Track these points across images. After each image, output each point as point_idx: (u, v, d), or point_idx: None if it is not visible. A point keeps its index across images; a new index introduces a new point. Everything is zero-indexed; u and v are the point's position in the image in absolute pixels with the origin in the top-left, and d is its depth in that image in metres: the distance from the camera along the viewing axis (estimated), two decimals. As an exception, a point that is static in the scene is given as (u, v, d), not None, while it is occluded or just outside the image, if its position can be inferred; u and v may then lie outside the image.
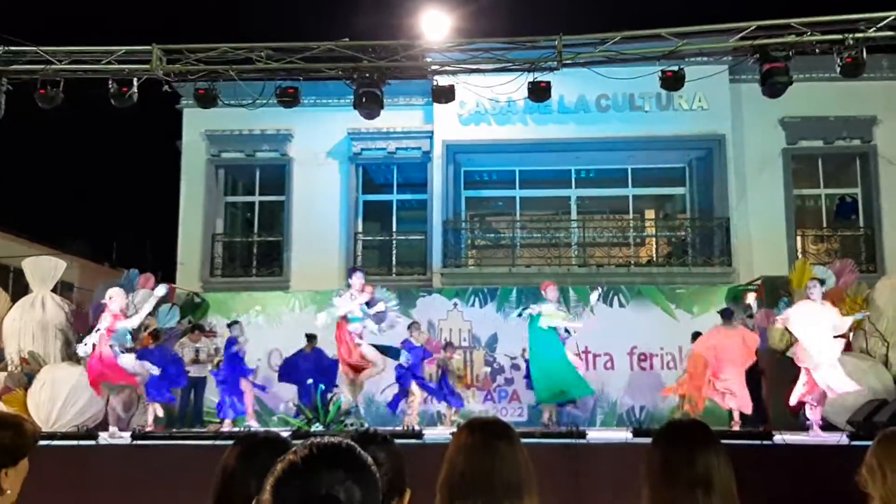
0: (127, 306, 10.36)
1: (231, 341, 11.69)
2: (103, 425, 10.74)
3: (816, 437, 8.86)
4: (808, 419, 9.46)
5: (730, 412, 10.81)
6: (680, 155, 16.34)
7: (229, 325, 12.02)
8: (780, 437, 7.50)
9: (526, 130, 15.67)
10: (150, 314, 12.87)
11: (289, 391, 12.78)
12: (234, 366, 11.55)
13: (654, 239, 17.24)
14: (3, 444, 2.48)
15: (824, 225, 16.40)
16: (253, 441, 2.41)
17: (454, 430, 7.71)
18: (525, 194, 17.26)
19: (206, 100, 10.53)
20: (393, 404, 11.28)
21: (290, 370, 12.29)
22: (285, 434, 8.05)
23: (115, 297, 9.65)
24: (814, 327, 9.41)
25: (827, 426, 10.34)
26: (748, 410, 10.43)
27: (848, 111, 15.42)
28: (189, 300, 14.26)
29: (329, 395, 10.67)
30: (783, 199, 15.62)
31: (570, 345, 10.62)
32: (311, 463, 1.47)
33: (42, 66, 10.35)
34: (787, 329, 11.44)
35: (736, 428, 10.37)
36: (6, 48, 10.37)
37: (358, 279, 9.87)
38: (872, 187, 15.71)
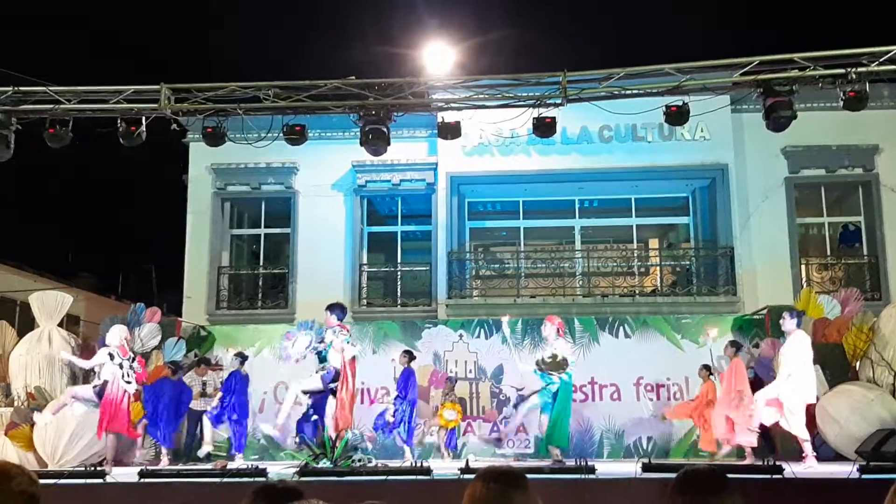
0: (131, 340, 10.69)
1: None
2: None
3: (827, 468, 8.81)
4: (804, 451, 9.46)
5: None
6: (683, 184, 16.40)
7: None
8: (790, 471, 7.46)
9: (529, 162, 15.76)
10: (156, 347, 13.04)
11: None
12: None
13: (658, 268, 17.26)
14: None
15: (828, 253, 16.43)
16: (273, 492, 2.44)
17: (461, 465, 7.68)
18: (529, 224, 17.31)
19: (214, 138, 10.64)
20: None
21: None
22: (292, 470, 8.03)
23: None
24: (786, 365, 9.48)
25: (836, 457, 10.34)
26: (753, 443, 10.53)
27: (849, 140, 15.49)
28: (195, 333, 14.29)
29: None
30: (787, 228, 15.66)
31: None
32: None
33: (51, 106, 10.46)
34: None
35: (748, 460, 10.38)
36: (16, 88, 10.49)
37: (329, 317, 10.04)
38: (875, 215, 15.75)
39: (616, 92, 10.20)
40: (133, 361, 10.56)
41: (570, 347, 10.64)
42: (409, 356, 11.83)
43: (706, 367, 11.91)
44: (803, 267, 15.90)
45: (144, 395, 12.04)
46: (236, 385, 11.60)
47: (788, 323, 9.58)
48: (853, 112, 10.10)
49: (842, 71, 9.59)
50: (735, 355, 11.03)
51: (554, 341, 10.36)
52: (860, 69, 9.55)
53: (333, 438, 9.22)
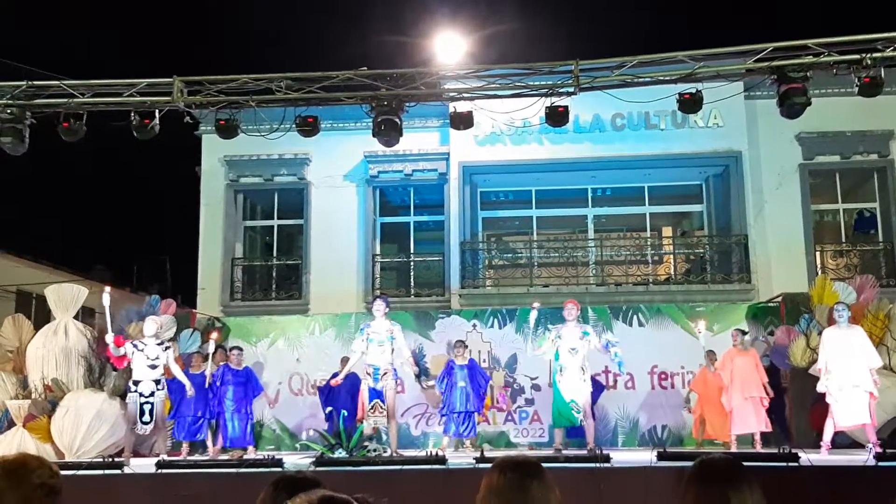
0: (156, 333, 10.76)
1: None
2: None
3: (843, 456, 8.80)
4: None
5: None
6: (696, 172, 16.33)
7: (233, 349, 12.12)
8: (805, 459, 7.44)
9: (541, 150, 15.72)
10: (171, 339, 13.09)
11: (314, 415, 12.87)
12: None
13: (672, 256, 17.20)
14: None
15: (843, 240, 16.32)
16: (291, 483, 2.46)
17: (476, 454, 7.70)
18: (542, 214, 17.28)
19: (227, 130, 10.67)
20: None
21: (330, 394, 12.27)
22: (308, 460, 8.06)
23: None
24: (842, 357, 9.45)
25: (852, 444, 10.31)
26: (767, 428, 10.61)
27: (864, 126, 15.36)
28: (210, 325, 14.35)
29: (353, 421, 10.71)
30: (801, 215, 15.56)
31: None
32: None
33: (65, 100, 10.50)
34: (809, 346, 11.44)
35: (758, 448, 10.39)
36: (30, 82, 10.54)
37: (378, 306, 9.94)
38: (891, 201, 15.65)
39: (629, 80, 10.14)
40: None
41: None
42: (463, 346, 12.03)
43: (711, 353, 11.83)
44: (818, 254, 15.81)
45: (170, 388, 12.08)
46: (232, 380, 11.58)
47: (846, 315, 9.77)
48: (868, 98, 10.01)
49: (856, 56, 9.50)
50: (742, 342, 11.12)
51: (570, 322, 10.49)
52: (875, 54, 9.45)
53: (349, 428, 9.25)
